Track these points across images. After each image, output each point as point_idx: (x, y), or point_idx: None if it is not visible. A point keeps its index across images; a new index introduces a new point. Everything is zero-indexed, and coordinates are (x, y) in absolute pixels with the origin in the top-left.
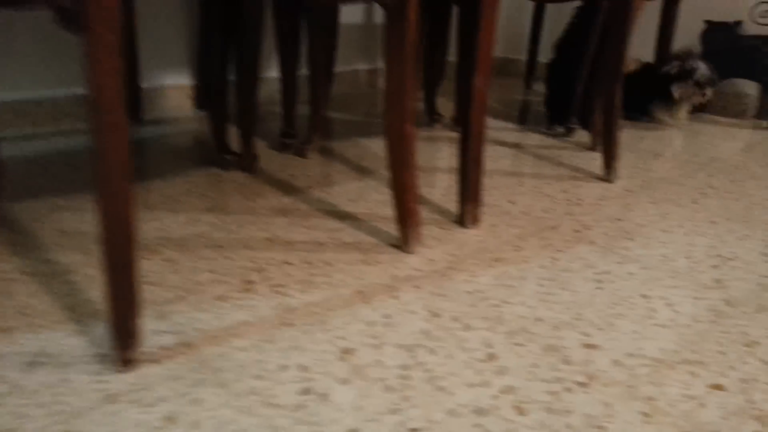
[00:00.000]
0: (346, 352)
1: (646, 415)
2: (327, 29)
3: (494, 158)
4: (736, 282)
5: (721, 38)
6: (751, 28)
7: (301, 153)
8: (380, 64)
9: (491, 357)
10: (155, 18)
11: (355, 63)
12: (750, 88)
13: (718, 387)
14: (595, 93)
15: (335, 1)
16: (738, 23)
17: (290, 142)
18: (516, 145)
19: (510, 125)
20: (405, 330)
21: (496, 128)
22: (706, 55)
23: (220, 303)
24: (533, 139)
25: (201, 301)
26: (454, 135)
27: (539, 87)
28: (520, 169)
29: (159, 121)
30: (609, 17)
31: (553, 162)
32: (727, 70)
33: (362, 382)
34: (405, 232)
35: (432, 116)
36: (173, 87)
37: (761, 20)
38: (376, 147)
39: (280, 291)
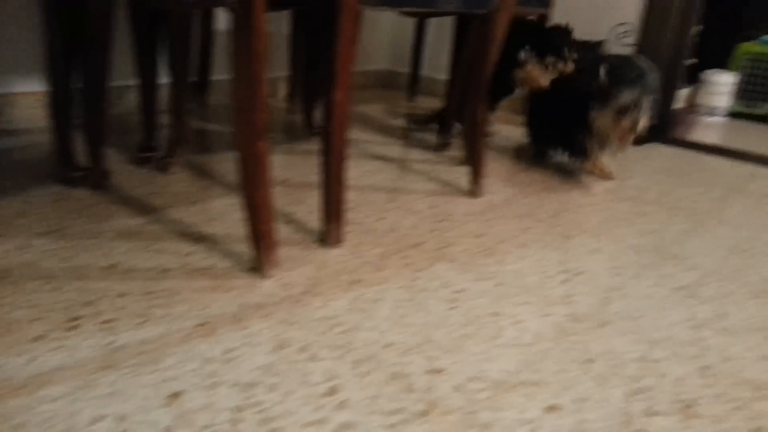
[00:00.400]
0: (174, 395)
1: None
2: (185, 35)
3: (369, 173)
4: (582, 297)
5: (587, 57)
6: (612, 48)
7: (162, 168)
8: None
9: (333, 390)
10: (3, 18)
11: None
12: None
13: (553, 408)
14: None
15: (185, 7)
16: (601, 42)
17: (150, 155)
18: (393, 160)
19: (389, 139)
20: (245, 366)
21: (375, 142)
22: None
23: (36, 344)
24: (412, 153)
25: (13, 343)
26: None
27: (422, 100)
28: (394, 184)
29: (5, 132)
30: (474, 36)
31: (427, 177)
32: None
33: (186, 430)
34: (259, 256)
35: (310, 130)
36: (24, 94)
37: (621, 40)
38: None
39: (109, 328)
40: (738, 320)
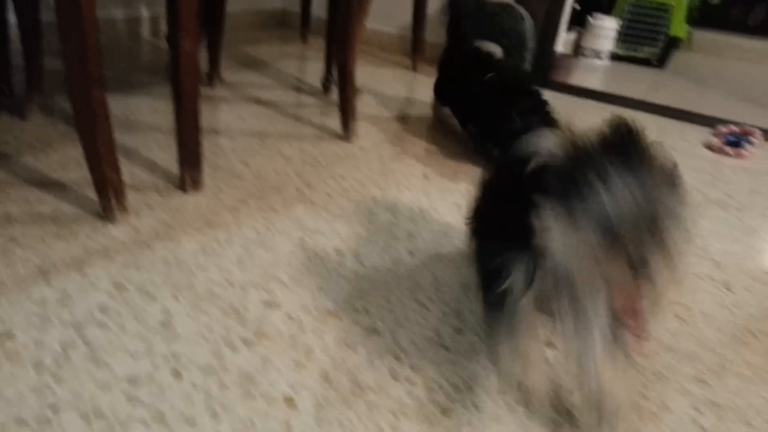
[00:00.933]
0: (4, 336)
1: (298, 364)
2: None
3: (244, 118)
4: (424, 233)
5: (469, 3)
6: None
7: (18, 112)
8: (143, 12)
9: (165, 325)
10: None
11: (111, 9)
12: (495, 48)
13: (373, 331)
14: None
15: None
16: None
17: (4, 100)
18: (271, 104)
19: (269, 82)
20: (81, 307)
21: (257, 85)
22: (454, 19)
23: None
24: (292, 96)
25: None
26: (228, 95)
27: (315, 41)
28: (266, 128)
29: None
30: None
31: (302, 121)
32: (475, 32)
33: (11, 366)
34: (105, 203)
35: (215, 76)
36: None
37: None
38: (118, 105)
39: None
40: None
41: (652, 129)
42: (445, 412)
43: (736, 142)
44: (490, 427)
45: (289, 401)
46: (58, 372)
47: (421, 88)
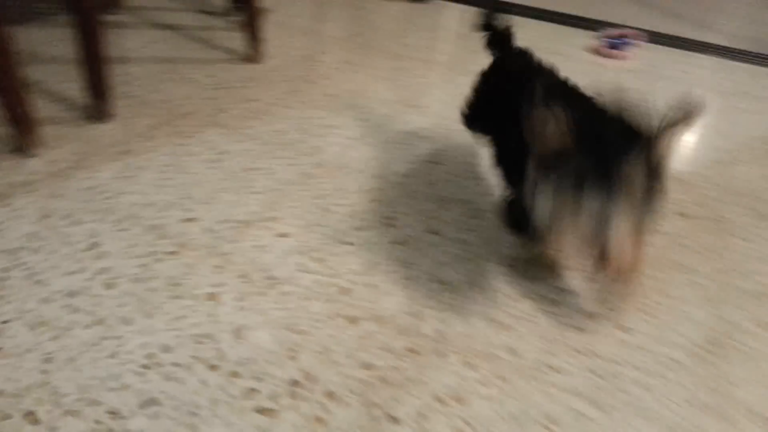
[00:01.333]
0: None
1: (218, 267)
2: None
3: (149, 44)
4: (328, 147)
5: None
6: None
7: None
8: None
9: (94, 245)
10: None
11: None
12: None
13: (283, 235)
14: None
15: None
16: None
17: None
18: (176, 27)
19: (173, 4)
20: (10, 236)
21: (158, 8)
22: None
23: None
24: (198, 20)
25: None
26: (131, 20)
27: None
28: (174, 54)
29: None
30: None
31: (210, 45)
32: None
33: None
34: (19, 137)
35: (116, 1)
36: None
37: None
38: (19, 37)
39: None
40: (455, 156)
41: (540, 35)
42: (344, 291)
43: (619, 44)
44: (383, 299)
45: (213, 297)
46: (1, 292)
47: (327, 6)
